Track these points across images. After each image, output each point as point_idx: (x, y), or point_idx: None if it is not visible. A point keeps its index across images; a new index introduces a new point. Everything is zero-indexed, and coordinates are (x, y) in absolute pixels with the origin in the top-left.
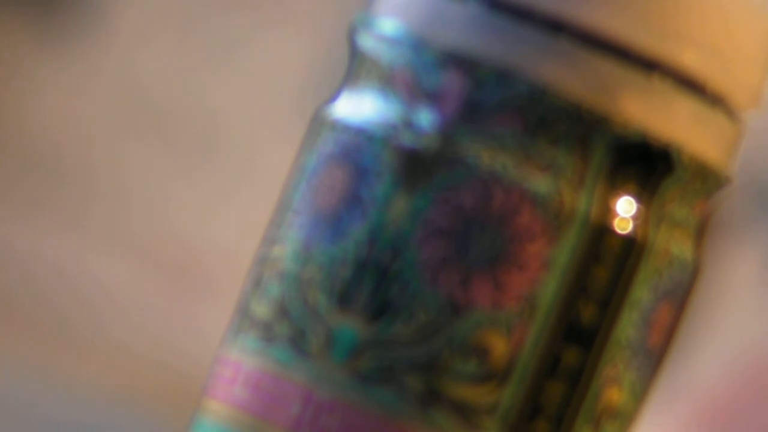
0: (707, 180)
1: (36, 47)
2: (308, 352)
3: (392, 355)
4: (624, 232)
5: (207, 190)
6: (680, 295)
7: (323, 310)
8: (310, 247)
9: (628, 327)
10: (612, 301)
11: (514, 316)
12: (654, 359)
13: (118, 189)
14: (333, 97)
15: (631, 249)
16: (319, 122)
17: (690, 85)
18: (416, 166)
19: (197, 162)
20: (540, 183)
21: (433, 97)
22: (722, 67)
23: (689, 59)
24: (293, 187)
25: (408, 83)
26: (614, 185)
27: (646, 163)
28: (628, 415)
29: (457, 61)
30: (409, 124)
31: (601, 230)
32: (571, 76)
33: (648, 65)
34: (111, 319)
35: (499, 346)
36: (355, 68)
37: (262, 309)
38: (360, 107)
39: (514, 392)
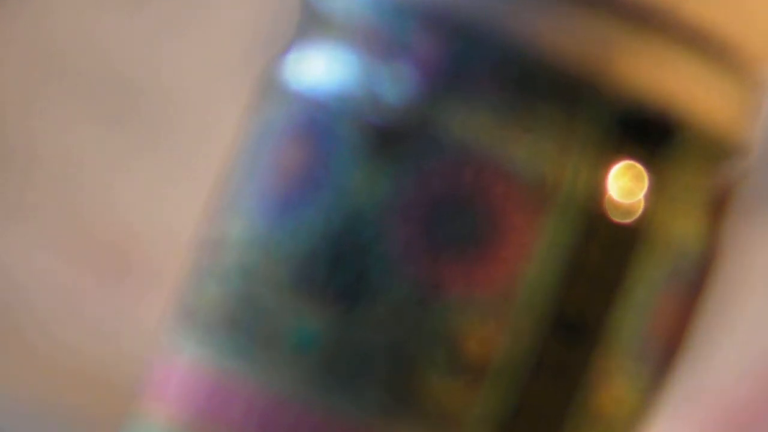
0: (718, 150)
1: None
2: (256, 350)
3: (352, 351)
4: (618, 213)
5: (151, 170)
6: (691, 285)
7: (273, 303)
8: (259, 233)
9: (625, 321)
10: (605, 290)
11: (491, 305)
12: (660, 358)
13: (38, 167)
14: (281, 57)
15: (628, 232)
16: (266, 87)
17: (694, 38)
18: (380, 140)
19: (138, 138)
20: (520, 157)
21: (399, 60)
22: (732, 17)
23: (693, 7)
24: (238, 163)
25: (370, 44)
26: (605, 157)
27: (642, 131)
28: (626, 422)
29: (426, 17)
30: (371, 92)
31: (590, 209)
32: (557, 33)
33: (645, 15)
34: (43, 312)
35: (473, 341)
36: (308, 26)
37: (202, 303)
38: (314, 71)
39: (491, 392)
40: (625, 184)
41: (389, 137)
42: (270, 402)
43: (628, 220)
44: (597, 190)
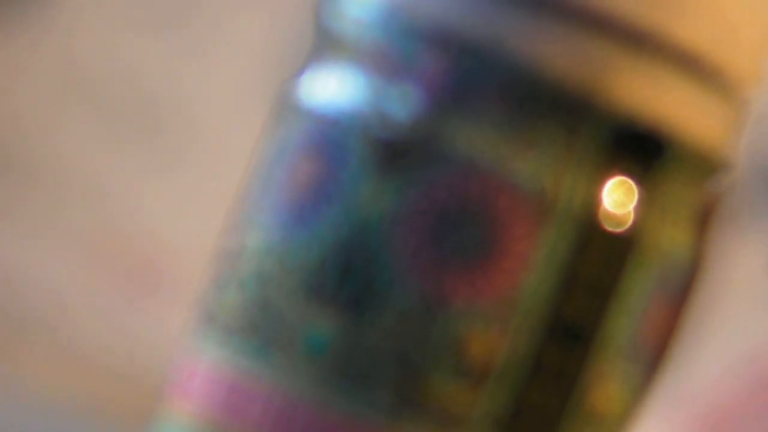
0: (705, 165)
1: None
2: (272, 352)
3: (362, 355)
4: (612, 223)
5: (175, 185)
6: (678, 291)
7: (287, 309)
8: (274, 243)
9: (618, 325)
10: (600, 296)
11: (493, 312)
12: (649, 360)
13: (58, 179)
14: (297, 78)
15: (621, 241)
16: (282, 106)
17: (685, 60)
18: (389, 155)
19: (163, 155)
20: (522, 171)
21: (406, 79)
22: (720, 41)
23: (684, 33)
24: (255, 178)
25: (379, 64)
26: (601, 172)
27: (636, 147)
28: (618, 420)
29: (433, 38)
30: (380, 110)
31: (587, 221)
32: (558, 55)
33: (639, 39)
34: (81, 319)
35: (477, 346)
36: (322, 48)
37: (222, 308)
38: (327, 90)
39: (493, 393)
40: (618, 198)
41: (397, 151)
42: (285, 401)
43: (620, 230)
44: (593, 202)
